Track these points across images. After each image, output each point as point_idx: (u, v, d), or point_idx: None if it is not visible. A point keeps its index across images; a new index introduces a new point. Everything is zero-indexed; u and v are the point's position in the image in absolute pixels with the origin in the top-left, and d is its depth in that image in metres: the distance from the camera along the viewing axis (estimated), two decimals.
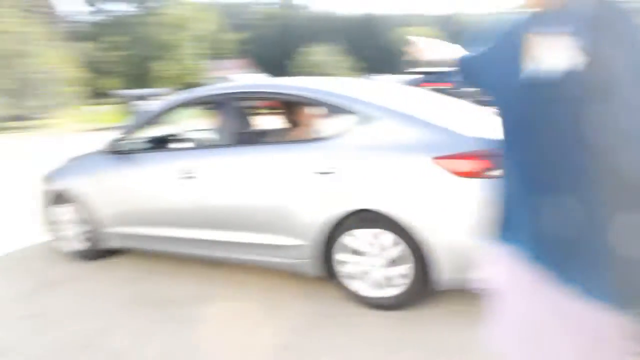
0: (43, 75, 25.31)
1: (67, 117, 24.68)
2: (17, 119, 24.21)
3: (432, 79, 16.09)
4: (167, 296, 3.58)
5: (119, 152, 4.05)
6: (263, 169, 3.36)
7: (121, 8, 39.93)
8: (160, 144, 4.38)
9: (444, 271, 2.87)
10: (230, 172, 3.50)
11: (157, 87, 29.82)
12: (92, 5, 39.02)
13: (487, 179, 2.68)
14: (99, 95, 32.39)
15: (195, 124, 5.29)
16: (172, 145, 4.52)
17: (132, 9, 39.84)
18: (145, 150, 4.04)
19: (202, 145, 4.16)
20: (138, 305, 3.44)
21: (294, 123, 4.05)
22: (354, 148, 3.07)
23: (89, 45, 37.81)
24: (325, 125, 3.41)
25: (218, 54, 49.84)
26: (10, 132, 20.27)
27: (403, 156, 2.91)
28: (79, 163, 4.42)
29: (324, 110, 3.37)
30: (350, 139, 3.11)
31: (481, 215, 2.75)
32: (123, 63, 38.46)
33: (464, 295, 3.20)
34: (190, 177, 3.60)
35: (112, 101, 25.58)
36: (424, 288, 2.99)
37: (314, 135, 3.52)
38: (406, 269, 2.98)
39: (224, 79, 26.63)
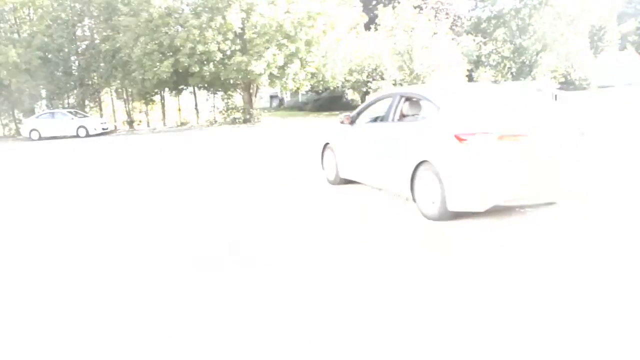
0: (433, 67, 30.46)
1: None
2: None
3: None
4: None
5: (349, 122, 7.07)
6: (394, 135, 5.94)
7: (508, 2, 41.62)
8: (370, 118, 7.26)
9: (451, 201, 4.87)
10: (383, 135, 6.19)
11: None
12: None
13: (485, 148, 4.64)
14: None
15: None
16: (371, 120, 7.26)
17: (519, 3, 41.07)
18: (359, 122, 6.98)
19: (379, 120, 6.87)
20: None
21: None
22: (428, 125, 5.30)
23: (475, 38, 41.65)
24: (423, 111, 5.64)
25: (602, 46, 46.17)
26: None
27: (444, 131, 5.05)
28: (336, 127, 7.61)
29: (424, 102, 5.69)
30: (428, 120, 5.41)
31: (476, 169, 4.60)
32: (506, 56, 40.64)
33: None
34: (377, 139, 6.32)
35: None
36: (446, 210, 4.97)
37: (418, 118, 5.81)
38: (437, 197, 5.03)
39: None
